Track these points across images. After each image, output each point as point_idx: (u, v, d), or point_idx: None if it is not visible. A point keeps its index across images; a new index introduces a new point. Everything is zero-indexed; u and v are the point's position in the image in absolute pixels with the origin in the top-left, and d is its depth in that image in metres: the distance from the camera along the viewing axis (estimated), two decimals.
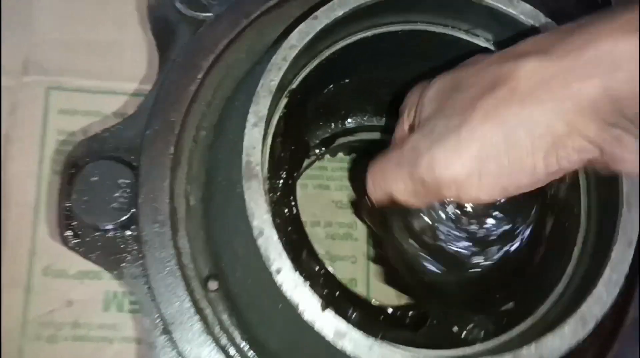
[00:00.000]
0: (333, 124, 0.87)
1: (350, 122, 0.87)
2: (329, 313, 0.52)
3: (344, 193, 1.03)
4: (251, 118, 0.56)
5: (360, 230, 1.03)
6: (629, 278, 0.62)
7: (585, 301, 0.55)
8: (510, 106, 0.52)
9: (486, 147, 0.53)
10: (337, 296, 0.59)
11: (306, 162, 0.83)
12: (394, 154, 0.60)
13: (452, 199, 0.58)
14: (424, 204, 0.61)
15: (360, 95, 0.78)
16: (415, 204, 0.60)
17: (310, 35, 0.58)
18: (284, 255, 0.53)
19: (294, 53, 0.58)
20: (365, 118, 0.86)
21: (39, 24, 1.01)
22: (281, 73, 0.57)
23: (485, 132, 0.53)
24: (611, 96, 0.49)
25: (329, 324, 0.52)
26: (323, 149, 0.88)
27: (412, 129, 0.62)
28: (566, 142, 0.52)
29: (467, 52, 0.68)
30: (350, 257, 1.01)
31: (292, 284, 0.53)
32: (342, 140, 0.91)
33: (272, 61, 0.57)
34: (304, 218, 0.92)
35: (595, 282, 0.56)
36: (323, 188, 1.02)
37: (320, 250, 1.00)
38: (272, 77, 0.57)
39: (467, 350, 0.57)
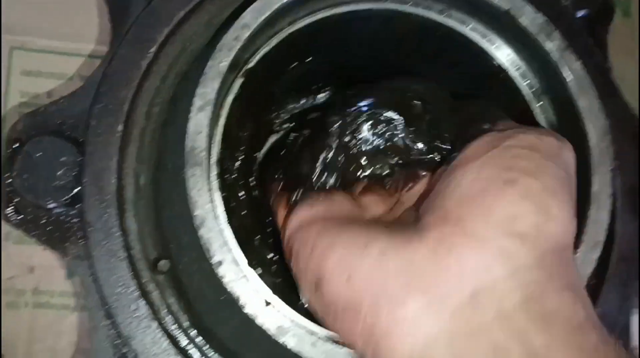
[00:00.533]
0: (304, 99, 0.83)
1: (321, 97, 0.84)
2: (272, 309, 0.51)
3: None
4: (197, 101, 0.53)
5: None
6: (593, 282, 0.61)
7: None
8: None
9: None
10: (289, 285, 0.56)
11: (273, 139, 0.79)
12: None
13: None
14: None
15: (330, 73, 0.74)
16: None
17: (265, 15, 0.55)
18: (226, 247, 0.51)
19: (247, 33, 0.54)
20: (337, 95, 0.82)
21: None
22: (232, 54, 0.54)
23: None
24: None
25: (271, 319, 0.51)
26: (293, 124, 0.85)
27: None
28: None
29: (440, 35, 0.65)
30: None
31: (234, 277, 0.51)
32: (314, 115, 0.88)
33: (222, 41, 0.54)
34: None
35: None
36: None
37: None
38: (222, 59, 0.54)
39: None
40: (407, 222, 0.50)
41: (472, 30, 0.64)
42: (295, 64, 0.68)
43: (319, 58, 0.68)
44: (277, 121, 0.77)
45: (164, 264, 0.62)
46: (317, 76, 0.76)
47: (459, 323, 0.42)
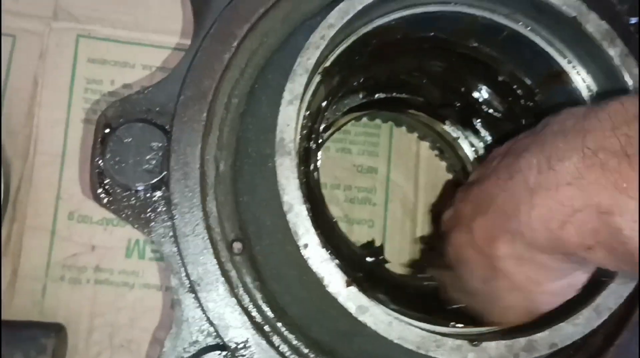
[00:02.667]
0: (362, 95, 0.87)
1: (379, 95, 0.88)
2: (353, 289, 0.55)
3: (365, 157, 1.04)
4: (287, 96, 0.57)
5: (379, 195, 1.05)
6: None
7: (601, 293, 0.57)
8: None
9: None
10: (360, 270, 0.61)
11: (332, 129, 0.84)
12: None
13: None
14: None
15: (392, 72, 0.78)
16: None
17: (350, 15, 0.59)
18: (312, 231, 0.55)
19: (332, 32, 0.58)
20: (395, 93, 0.86)
21: None
22: (318, 52, 0.58)
23: None
24: None
25: (352, 298, 0.55)
26: (349, 116, 0.89)
27: None
28: None
29: (505, 37, 0.68)
30: (368, 221, 1.03)
31: (319, 259, 0.55)
32: (369, 110, 0.92)
33: (310, 40, 0.58)
34: (324, 179, 0.94)
35: (613, 275, 0.58)
36: (345, 152, 1.04)
37: (339, 212, 1.02)
38: (309, 56, 0.58)
39: (482, 329, 0.60)
40: None
41: (534, 33, 0.67)
42: (363, 63, 0.71)
43: (386, 58, 0.72)
44: (339, 112, 0.81)
45: (240, 246, 0.66)
46: (380, 76, 0.80)
47: None
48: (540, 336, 0.55)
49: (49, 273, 0.95)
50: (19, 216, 0.95)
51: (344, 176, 1.03)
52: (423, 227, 1.03)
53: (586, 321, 0.56)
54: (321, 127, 0.78)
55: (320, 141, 0.81)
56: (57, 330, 0.89)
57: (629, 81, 0.61)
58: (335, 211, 1.02)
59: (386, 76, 0.80)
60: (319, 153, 0.82)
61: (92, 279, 0.95)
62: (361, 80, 0.80)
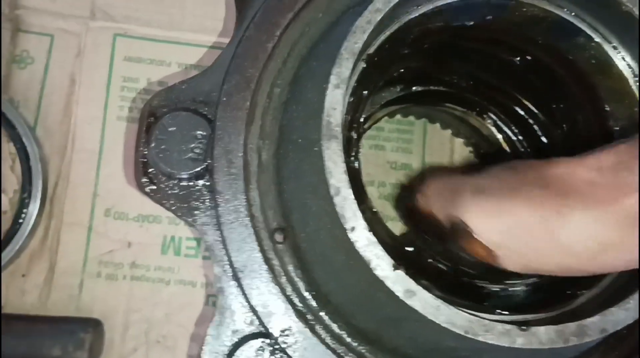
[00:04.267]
0: (399, 87, 0.87)
1: (416, 88, 0.88)
2: (400, 272, 0.54)
3: (399, 154, 1.04)
4: (333, 79, 0.57)
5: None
6: None
7: None
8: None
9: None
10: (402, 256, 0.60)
11: (369, 122, 0.84)
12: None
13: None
14: None
15: (432, 63, 0.78)
16: None
17: (393, 2, 0.59)
18: (359, 214, 0.55)
19: (379, 17, 0.58)
20: (431, 86, 0.86)
21: None
22: (365, 36, 0.58)
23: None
24: None
25: (400, 282, 0.54)
26: (385, 110, 0.89)
27: None
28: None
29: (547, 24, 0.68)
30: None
31: (366, 242, 0.55)
32: (405, 104, 0.92)
33: (357, 24, 0.58)
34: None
35: None
36: (379, 149, 1.04)
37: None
38: (355, 40, 0.58)
39: (528, 317, 0.59)
40: None
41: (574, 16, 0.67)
42: (406, 52, 0.71)
43: (426, 49, 0.72)
44: (376, 105, 0.81)
45: (282, 234, 0.66)
46: (419, 68, 0.79)
47: None
48: (591, 321, 0.55)
49: (85, 269, 0.96)
50: (57, 213, 0.96)
51: (378, 173, 1.03)
52: None
53: (637, 306, 0.55)
54: (362, 118, 0.78)
55: (361, 130, 0.81)
56: (94, 325, 0.90)
57: None
58: None
59: (425, 68, 0.79)
60: (360, 143, 0.83)
61: (128, 275, 0.96)
62: (401, 71, 0.80)
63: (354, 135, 0.71)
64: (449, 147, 1.04)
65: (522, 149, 0.87)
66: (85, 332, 0.88)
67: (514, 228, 0.59)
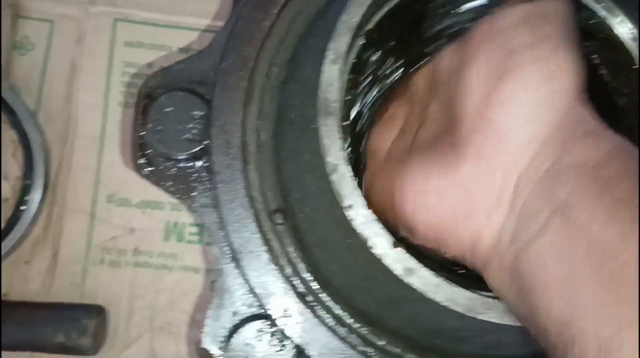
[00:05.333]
0: (404, 67, 0.86)
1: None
2: (400, 250, 0.53)
3: None
4: (330, 55, 0.56)
5: None
6: None
7: None
8: None
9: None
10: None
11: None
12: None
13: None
14: None
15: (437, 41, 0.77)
16: None
17: None
18: (356, 192, 0.54)
19: None
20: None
21: None
22: (362, 10, 0.57)
23: None
24: None
25: (399, 260, 0.53)
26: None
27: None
28: None
29: None
30: None
31: (363, 220, 0.54)
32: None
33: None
34: None
35: None
36: None
37: None
38: (353, 14, 0.57)
39: None
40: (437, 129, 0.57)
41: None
42: (409, 28, 0.70)
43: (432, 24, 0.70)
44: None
45: (282, 215, 0.65)
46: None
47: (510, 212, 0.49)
48: None
49: (89, 256, 0.95)
50: (59, 200, 0.96)
51: None
52: None
53: None
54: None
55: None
56: (98, 312, 0.89)
57: None
58: None
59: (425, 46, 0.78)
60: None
61: (131, 262, 0.95)
62: (403, 49, 0.78)
63: (363, 110, 0.70)
64: None
65: None
66: (89, 319, 0.87)
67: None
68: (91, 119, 0.97)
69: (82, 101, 0.97)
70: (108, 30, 1.00)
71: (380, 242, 0.53)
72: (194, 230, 0.98)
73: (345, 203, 0.54)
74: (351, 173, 0.54)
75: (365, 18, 0.61)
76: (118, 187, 0.97)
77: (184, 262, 0.96)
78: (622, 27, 0.64)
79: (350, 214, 0.54)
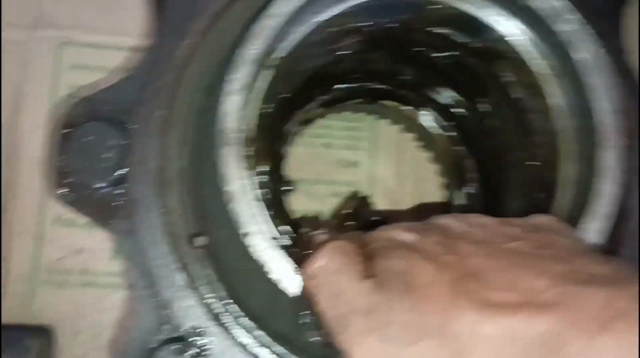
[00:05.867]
0: (334, 87, 0.88)
1: (351, 87, 0.88)
2: (295, 274, 0.55)
3: (349, 151, 1.05)
4: (227, 86, 0.58)
5: (363, 188, 1.05)
6: None
7: None
8: None
9: None
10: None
11: (303, 120, 0.84)
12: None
13: None
14: None
15: (357, 62, 0.79)
16: None
17: (292, 5, 0.59)
18: (254, 219, 0.56)
19: (275, 22, 0.59)
20: (365, 83, 0.87)
21: None
22: (260, 42, 0.58)
23: None
24: None
25: (294, 284, 0.55)
26: (321, 109, 0.90)
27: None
28: None
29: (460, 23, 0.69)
30: None
31: (261, 246, 0.55)
32: (343, 102, 0.93)
33: (251, 30, 0.58)
34: (305, 176, 0.95)
35: None
36: (326, 147, 1.04)
37: (321, 207, 1.03)
38: (250, 47, 0.58)
39: None
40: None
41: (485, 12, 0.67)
42: (318, 56, 0.72)
43: (342, 52, 0.72)
44: (312, 105, 0.82)
45: (200, 239, 0.67)
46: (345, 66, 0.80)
47: None
48: None
49: (36, 276, 0.97)
50: (6, 222, 0.97)
51: (327, 171, 1.03)
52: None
53: None
54: (291, 123, 0.79)
55: (288, 136, 0.82)
56: (43, 333, 0.91)
57: (581, 57, 0.61)
58: (317, 206, 1.03)
59: (355, 67, 0.80)
60: (288, 149, 0.84)
61: (78, 282, 0.97)
62: (331, 72, 0.80)
63: (278, 141, 0.72)
64: (398, 143, 1.04)
65: (459, 144, 0.88)
66: (32, 339, 0.89)
67: None
68: (36, 142, 0.98)
69: (26, 124, 0.99)
70: (53, 54, 1.01)
71: (276, 268, 0.55)
72: None
73: (242, 230, 0.56)
74: (249, 201, 0.56)
75: (273, 48, 0.63)
76: (64, 208, 0.98)
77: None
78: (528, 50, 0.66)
79: (247, 241, 0.56)
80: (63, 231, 0.98)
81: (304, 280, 0.55)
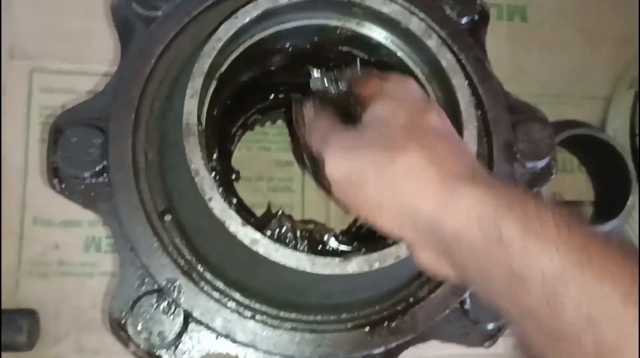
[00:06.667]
0: (268, 97, 1.08)
1: (281, 96, 1.09)
2: (248, 227, 0.74)
3: (283, 153, 1.25)
4: (189, 92, 0.77)
5: (297, 183, 1.25)
6: None
7: None
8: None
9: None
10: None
11: (243, 126, 1.04)
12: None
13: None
14: None
15: (283, 76, 0.99)
16: None
17: (232, 31, 0.80)
18: (214, 188, 0.75)
19: (220, 44, 0.79)
20: (290, 93, 1.07)
21: (20, 16, 1.20)
22: (210, 59, 0.78)
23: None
24: None
25: (246, 235, 0.74)
26: (259, 116, 1.10)
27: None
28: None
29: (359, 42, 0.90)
30: (288, 205, 1.23)
31: (220, 208, 0.75)
32: (276, 110, 1.13)
33: (204, 50, 0.78)
34: (249, 174, 1.15)
35: None
36: (265, 150, 1.24)
37: (263, 199, 1.22)
38: (203, 62, 0.78)
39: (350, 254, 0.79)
40: None
41: (375, 33, 0.89)
42: (257, 69, 0.92)
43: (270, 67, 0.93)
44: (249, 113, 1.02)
45: (169, 214, 0.85)
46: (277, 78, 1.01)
47: None
48: (388, 250, 0.75)
49: (20, 269, 1.13)
50: None
51: (266, 170, 1.23)
52: (335, 206, 1.24)
53: None
54: (236, 126, 0.99)
55: (234, 136, 1.02)
56: (30, 314, 1.07)
57: (444, 64, 0.83)
58: (259, 199, 1.22)
59: (281, 79, 1.01)
60: (233, 147, 1.04)
61: (57, 272, 1.13)
62: (263, 84, 1.01)
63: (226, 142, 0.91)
64: None
65: None
66: (23, 319, 1.05)
67: (352, 174, 0.67)
68: (15, 155, 1.15)
69: (6, 139, 1.15)
70: (26, 80, 1.18)
71: (233, 223, 0.74)
72: (110, 241, 1.17)
73: (207, 196, 0.75)
74: (210, 175, 0.75)
75: (219, 63, 0.83)
76: (41, 210, 1.15)
77: (103, 268, 1.14)
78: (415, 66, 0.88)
79: (211, 204, 0.75)
80: (41, 229, 1.14)
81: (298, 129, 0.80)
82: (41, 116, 1.17)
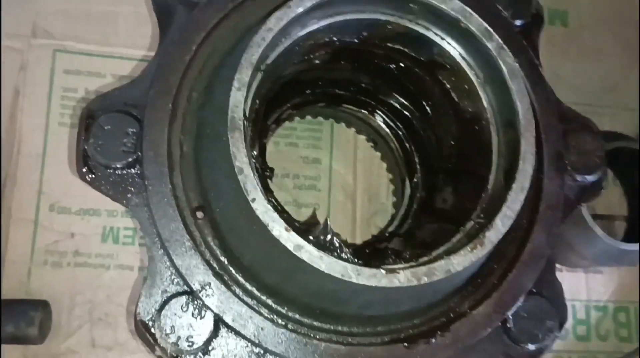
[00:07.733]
0: (304, 92, 1.04)
1: (317, 92, 1.04)
2: (292, 232, 0.70)
3: (310, 149, 1.20)
4: (236, 84, 0.72)
5: (323, 182, 1.21)
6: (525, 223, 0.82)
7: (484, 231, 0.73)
8: None
9: None
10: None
11: (276, 121, 1.00)
12: None
13: None
14: None
15: (326, 70, 0.95)
16: None
17: (284, 21, 0.75)
18: (259, 188, 0.70)
19: (270, 35, 0.74)
20: (330, 89, 1.03)
21: None
22: (260, 50, 0.73)
23: None
24: None
25: (290, 240, 0.70)
26: (293, 111, 1.05)
27: None
28: None
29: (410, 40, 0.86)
30: (314, 205, 1.19)
31: (264, 209, 0.70)
32: (310, 105, 1.09)
33: (253, 40, 0.73)
34: (275, 170, 1.10)
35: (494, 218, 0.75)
36: (293, 146, 1.20)
37: (288, 197, 1.18)
38: (252, 53, 0.73)
39: (395, 266, 0.75)
40: None
41: (429, 31, 0.84)
42: (300, 63, 0.87)
43: (321, 58, 0.88)
44: (283, 108, 0.97)
45: (202, 211, 0.81)
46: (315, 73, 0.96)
47: None
48: (438, 264, 0.71)
49: (33, 258, 1.08)
50: (5, 210, 1.08)
51: (292, 167, 1.19)
52: (362, 208, 1.20)
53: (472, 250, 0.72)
54: (270, 120, 0.95)
55: (268, 131, 0.97)
56: (43, 306, 1.02)
57: (504, 67, 0.78)
58: (285, 196, 1.18)
59: (322, 75, 0.96)
60: (266, 142, 0.99)
61: (72, 262, 1.09)
62: (302, 78, 0.96)
63: (258, 133, 0.87)
64: (353, 143, 1.20)
65: (407, 141, 1.06)
66: (35, 311, 1.00)
67: None
68: (34, 139, 1.10)
69: (25, 122, 1.10)
70: (48, 60, 1.13)
71: (277, 226, 0.70)
72: (129, 233, 1.12)
73: (250, 196, 0.70)
74: (254, 174, 0.71)
75: (265, 55, 0.78)
76: (59, 197, 1.10)
77: (120, 261, 1.10)
78: (463, 61, 0.84)
79: (254, 205, 0.70)
80: (58, 217, 1.09)
81: None
82: (63, 98, 1.13)
